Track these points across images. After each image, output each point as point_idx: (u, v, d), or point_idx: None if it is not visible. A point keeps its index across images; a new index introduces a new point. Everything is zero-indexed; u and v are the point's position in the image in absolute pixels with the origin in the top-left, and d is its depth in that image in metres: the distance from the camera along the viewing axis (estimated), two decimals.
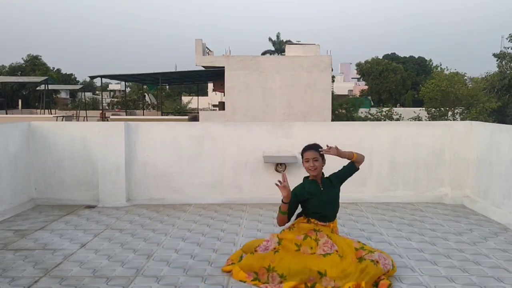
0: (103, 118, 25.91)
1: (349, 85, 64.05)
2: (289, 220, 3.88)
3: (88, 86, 63.67)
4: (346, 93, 52.39)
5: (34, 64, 48.91)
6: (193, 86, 55.38)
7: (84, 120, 26.60)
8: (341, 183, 3.92)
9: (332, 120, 21.29)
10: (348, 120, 26.97)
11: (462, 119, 25.17)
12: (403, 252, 4.17)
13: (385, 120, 26.21)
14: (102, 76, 26.28)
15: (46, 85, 29.34)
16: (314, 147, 3.81)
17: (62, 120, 21.13)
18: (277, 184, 3.68)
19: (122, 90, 56.27)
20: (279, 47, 43.39)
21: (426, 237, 4.65)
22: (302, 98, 19.91)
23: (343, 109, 29.68)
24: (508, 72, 29.71)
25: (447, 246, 4.36)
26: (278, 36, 45.10)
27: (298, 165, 5.90)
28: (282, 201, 3.74)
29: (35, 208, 5.94)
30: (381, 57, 51.50)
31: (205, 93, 58.26)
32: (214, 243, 4.47)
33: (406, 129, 6.36)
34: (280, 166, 6.15)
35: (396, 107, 35.59)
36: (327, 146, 3.75)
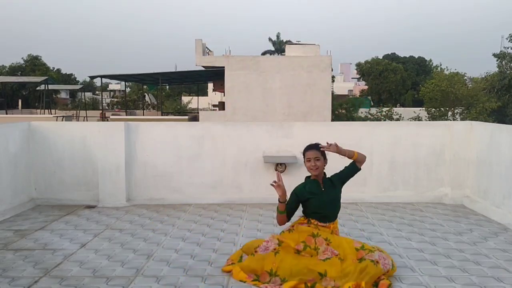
0: (103, 118, 25.91)
1: (349, 85, 64.06)
2: (289, 219, 3.88)
3: (88, 86, 63.68)
4: (346, 93, 52.39)
5: (34, 64, 48.89)
6: (193, 86, 55.38)
7: (84, 120, 26.60)
8: (342, 184, 3.92)
9: (332, 120, 21.30)
10: (348, 120, 26.97)
11: (462, 119, 25.18)
12: (403, 252, 4.17)
13: (385, 120, 26.20)
14: (102, 76, 26.28)
15: (46, 85, 29.33)
16: (316, 147, 3.81)
17: (62, 120, 21.13)
18: (272, 184, 3.72)
19: (122, 90, 56.28)
20: (279, 47, 43.40)
21: (426, 237, 4.65)
22: (302, 98, 19.91)
23: (343, 109, 29.68)
24: (508, 72, 29.69)
25: (447, 246, 4.36)
26: (278, 36, 45.13)
27: (298, 165, 5.90)
28: (278, 200, 3.75)
29: (35, 208, 5.94)
30: (381, 57, 51.50)
31: (205, 93, 58.28)
32: (214, 243, 4.47)
33: (406, 129, 6.37)
34: (280, 166, 6.15)
35: (396, 107, 35.59)
36: (327, 143, 3.75)
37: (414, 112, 28.15)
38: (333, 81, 30.99)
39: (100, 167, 5.99)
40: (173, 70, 30.38)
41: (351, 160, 3.90)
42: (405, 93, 47.48)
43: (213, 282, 3.53)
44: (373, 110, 29.87)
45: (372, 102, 43.03)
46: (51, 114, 27.02)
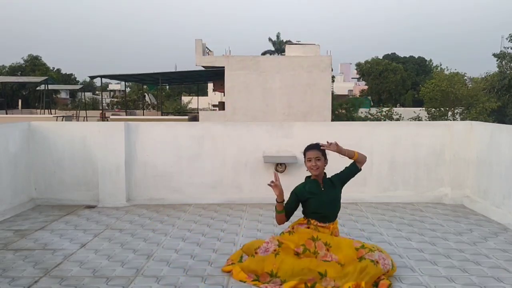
0: (103, 118, 25.90)
1: (349, 85, 64.07)
2: (288, 219, 3.89)
3: (88, 86, 63.69)
4: (346, 93, 52.40)
5: (34, 64, 48.89)
6: (193, 86, 55.37)
7: (84, 120, 26.60)
8: (343, 184, 3.92)
9: (332, 120, 21.29)
10: (348, 120, 26.96)
11: (462, 119, 25.18)
12: (403, 252, 4.17)
13: (385, 120, 26.20)
14: (102, 76, 26.27)
15: (46, 85, 29.33)
16: (317, 147, 3.81)
17: (62, 120, 21.13)
18: (269, 184, 3.75)
19: (122, 90, 56.28)
20: (279, 47, 43.40)
21: (426, 237, 4.65)
22: (302, 98, 19.91)
23: (343, 109, 29.67)
24: (508, 72, 29.69)
25: (447, 246, 4.36)
26: (278, 36, 45.13)
27: (298, 165, 5.90)
28: (276, 200, 3.76)
29: (35, 208, 5.94)
30: (381, 57, 51.52)
31: (205, 93, 58.27)
32: (214, 243, 4.47)
33: (406, 129, 6.37)
34: (280, 166, 6.15)
35: (396, 107, 35.59)
36: (327, 142, 3.76)
37: (414, 112, 28.14)
38: (333, 81, 30.99)
39: (100, 167, 5.99)
40: (173, 70, 30.38)
41: (351, 161, 3.90)
42: (405, 93, 47.49)
43: (213, 282, 3.53)
44: (373, 110, 29.87)
45: (372, 102, 43.03)
46: (51, 114, 27.02)
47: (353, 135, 6.14)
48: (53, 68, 54.49)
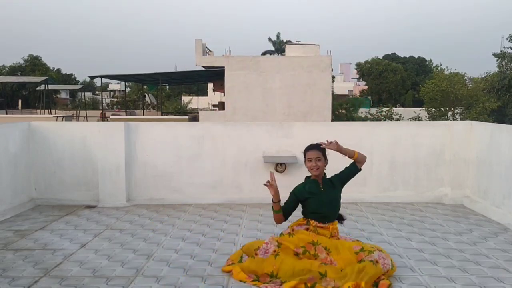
0: (103, 118, 25.90)
1: (349, 85, 64.05)
2: (286, 218, 3.89)
3: (88, 86, 63.67)
4: (346, 93, 52.38)
5: (34, 64, 48.87)
6: (193, 86, 55.35)
7: (84, 120, 26.60)
8: (343, 185, 3.92)
9: (332, 120, 21.29)
10: (348, 120, 26.96)
11: (462, 119, 25.17)
12: (403, 252, 4.17)
13: (385, 120, 26.20)
14: (102, 76, 26.27)
15: (46, 85, 29.33)
16: (317, 147, 3.81)
17: (62, 120, 21.12)
18: (265, 184, 3.76)
19: (122, 90, 56.28)
20: (279, 47, 43.39)
21: (426, 237, 4.65)
22: (302, 98, 19.90)
23: (343, 109, 29.67)
24: (508, 72, 29.68)
25: (447, 246, 4.36)
26: (278, 36, 45.12)
27: (298, 165, 5.90)
28: (272, 200, 3.77)
29: (35, 208, 5.94)
30: (381, 57, 51.52)
31: (205, 93, 58.24)
32: (214, 243, 4.47)
33: (406, 129, 6.37)
34: (280, 166, 6.15)
35: (396, 107, 35.59)
36: (327, 141, 3.76)
37: (414, 112, 28.14)
38: (333, 81, 30.99)
39: (100, 167, 6.00)
40: (173, 70, 30.39)
41: (351, 161, 3.91)
42: (405, 93, 47.50)
43: (213, 282, 3.53)
44: (373, 110, 29.87)
45: (372, 102, 43.03)
46: (51, 114, 27.02)
47: (353, 135, 6.14)
48: (53, 68, 54.48)
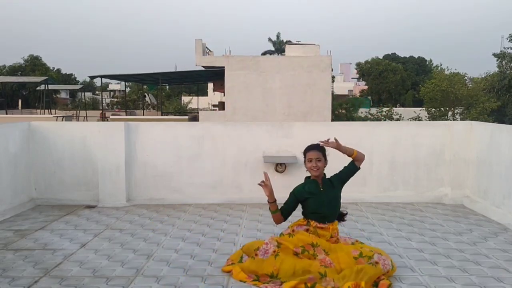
0: (103, 118, 25.91)
1: (349, 85, 64.05)
2: (285, 218, 3.88)
3: (88, 86, 63.68)
4: (346, 93, 52.38)
5: (34, 64, 48.89)
6: (193, 86, 55.37)
7: (84, 120, 26.60)
8: (342, 184, 3.92)
9: (332, 120, 21.29)
10: (348, 120, 26.96)
11: (462, 119, 25.17)
12: (403, 252, 4.17)
13: (385, 120, 26.20)
14: (102, 76, 26.29)
15: (46, 85, 29.33)
16: (318, 147, 3.81)
17: (62, 120, 21.12)
18: (260, 184, 3.76)
19: (122, 90, 56.29)
20: (279, 47, 43.38)
21: (426, 237, 4.65)
22: (302, 98, 19.90)
23: (343, 109, 29.67)
24: (508, 72, 29.68)
25: (447, 246, 4.36)
26: (278, 36, 45.10)
27: (298, 165, 5.90)
28: (267, 201, 3.77)
29: (35, 208, 5.94)
30: (381, 57, 51.52)
31: (205, 93, 58.27)
32: (214, 243, 4.47)
33: (406, 129, 6.37)
34: (280, 166, 6.15)
35: (396, 107, 35.60)
36: (327, 139, 3.77)
37: (414, 112, 28.15)
38: (333, 81, 30.97)
39: (100, 167, 6.00)
40: (173, 70, 30.38)
41: (350, 160, 3.91)
42: (405, 93, 47.51)
43: (213, 282, 3.53)
44: (373, 110, 29.87)
45: (372, 102, 43.03)
46: (51, 114, 27.02)
47: (353, 135, 6.13)
48: (53, 68, 54.50)
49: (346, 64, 73.73)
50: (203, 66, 20.92)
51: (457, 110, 27.54)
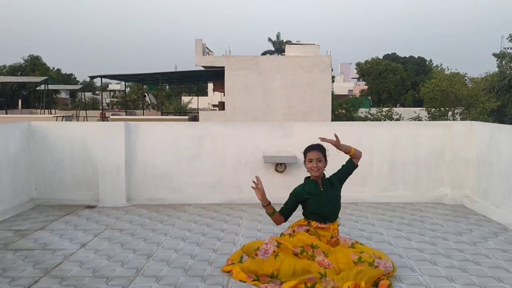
0: (103, 118, 25.91)
1: (349, 85, 64.05)
2: (286, 219, 3.88)
3: (88, 86, 63.68)
4: (346, 93, 52.39)
5: (34, 64, 48.89)
6: (193, 86, 55.37)
7: (84, 120, 26.60)
8: (341, 183, 3.92)
9: (332, 120, 21.29)
10: (348, 120, 26.97)
11: (462, 119, 25.17)
12: (403, 252, 4.18)
13: (385, 120, 26.20)
14: (102, 76, 26.28)
15: (46, 85, 29.33)
16: (318, 148, 3.81)
17: (62, 120, 21.12)
18: (252, 187, 3.74)
19: (122, 90, 56.28)
20: (279, 47, 43.37)
21: (426, 237, 4.65)
22: (302, 98, 19.90)
23: (343, 109, 29.67)
24: (508, 72, 29.67)
25: (447, 246, 4.36)
26: (278, 36, 45.09)
27: (298, 165, 5.90)
28: (262, 205, 3.76)
29: (35, 208, 5.94)
30: (381, 57, 51.52)
31: (205, 93, 58.26)
32: (214, 243, 4.47)
33: (406, 129, 6.37)
34: (280, 166, 6.15)
35: (396, 107, 35.60)
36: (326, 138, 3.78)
37: (414, 112, 28.15)
38: (333, 81, 30.98)
39: (100, 167, 6.00)
40: (173, 70, 30.38)
41: (348, 159, 3.91)
42: (405, 93, 47.51)
43: (213, 282, 3.53)
44: (373, 110, 29.88)
45: (372, 102, 43.04)
46: (51, 114, 27.00)
47: (353, 135, 6.13)
48: (53, 68, 54.50)
49: (346, 64, 73.74)
50: (203, 66, 20.92)
51: (457, 110, 27.54)
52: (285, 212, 3.86)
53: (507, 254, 4.12)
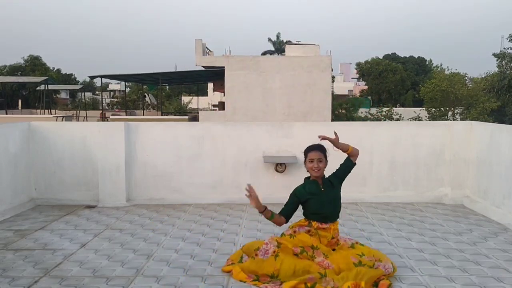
0: (103, 118, 25.91)
1: (349, 85, 64.04)
2: (287, 220, 3.87)
3: (88, 86, 63.67)
4: (346, 93, 52.38)
5: (34, 64, 48.89)
6: (193, 86, 55.37)
7: (84, 120, 26.60)
8: (341, 182, 3.91)
9: (332, 120, 21.29)
10: (348, 120, 26.96)
11: (462, 119, 25.18)
12: (403, 252, 4.18)
13: (385, 120, 26.21)
14: (102, 76, 26.29)
15: (46, 85, 29.33)
16: (319, 148, 3.80)
17: (62, 120, 21.12)
18: (246, 195, 3.72)
19: (122, 90, 56.27)
20: (279, 47, 43.36)
21: (426, 237, 4.65)
22: (302, 98, 19.91)
23: (343, 109, 29.67)
24: (508, 72, 29.66)
25: (447, 246, 4.36)
26: (278, 36, 45.08)
27: (298, 165, 5.90)
28: (258, 212, 3.75)
29: (35, 208, 5.94)
30: (381, 57, 51.52)
31: (205, 93, 58.27)
32: (214, 243, 4.47)
33: (406, 129, 6.37)
34: (280, 166, 6.15)
35: (396, 107, 35.60)
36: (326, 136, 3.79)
37: (414, 112, 28.15)
38: (333, 81, 30.98)
39: (100, 167, 6.00)
40: (173, 70, 30.38)
41: (346, 158, 3.91)
42: (405, 93, 47.51)
43: (213, 282, 3.53)
44: (373, 110, 29.88)
45: (372, 102, 43.03)
46: (51, 114, 27.01)
47: (353, 135, 6.12)
48: (53, 68, 54.51)
49: (346, 64, 73.73)
50: (203, 66, 20.92)
51: (457, 110, 27.54)
52: (286, 213, 3.85)
53: (507, 254, 4.12)
